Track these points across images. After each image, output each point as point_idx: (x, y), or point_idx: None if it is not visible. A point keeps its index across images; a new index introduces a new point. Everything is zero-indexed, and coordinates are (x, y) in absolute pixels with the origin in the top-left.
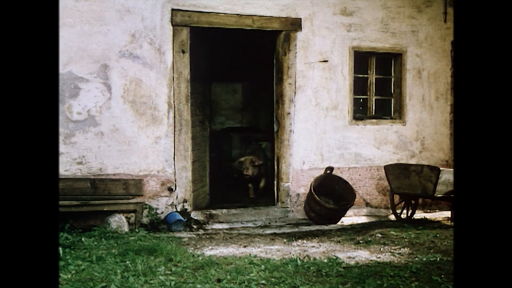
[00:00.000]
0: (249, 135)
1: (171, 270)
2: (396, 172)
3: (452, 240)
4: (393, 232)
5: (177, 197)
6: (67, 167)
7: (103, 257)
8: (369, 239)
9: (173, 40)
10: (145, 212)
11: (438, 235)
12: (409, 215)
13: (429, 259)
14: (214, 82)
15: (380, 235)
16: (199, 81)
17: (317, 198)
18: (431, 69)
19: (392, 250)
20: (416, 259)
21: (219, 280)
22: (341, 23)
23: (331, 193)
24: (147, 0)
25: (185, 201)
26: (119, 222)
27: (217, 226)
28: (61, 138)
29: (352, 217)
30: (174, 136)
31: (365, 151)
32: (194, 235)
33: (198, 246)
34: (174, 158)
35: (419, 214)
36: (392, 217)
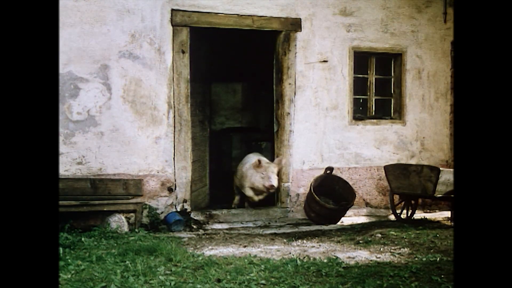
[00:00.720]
0: (249, 135)
1: (171, 270)
2: (396, 172)
3: (452, 240)
4: (393, 232)
5: (177, 197)
6: (67, 167)
7: (103, 257)
8: (369, 239)
9: (173, 40)
10: (145, 212)
11: (438, 235)
12: (409, 215)
13: (429, 259)
14: (214, 82)
15: (380, 235)
16: (199, 81)
17: (317, 198)
18: (431, 69)
19: (392, 250)
20: (416, 259)
21: (219, 280)
22: (341, 23)
23: (331, 193)
24: (147, 0)
25: (185, 201)
26: (119, 222)
27: (217, 226)
28: (61, 138)
29: (352, 217)
30: (174, 136)
31: (365, 151)
32: (194, 235)
33: (198, 246)
34: (174, 158)
35: (419, 214)
36: (392, 217)
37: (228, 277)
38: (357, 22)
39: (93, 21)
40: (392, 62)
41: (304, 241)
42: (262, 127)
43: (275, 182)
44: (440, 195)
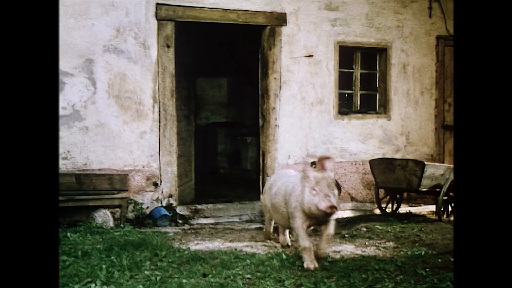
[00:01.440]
0: (235, 130)
1: (157, 265)
2: (381, 167)
3: (437, 233)
4: (378, 226)
5: (162, 192)
6: None
7: (89, 252)
8: (354, 233)
9: (158, 35)
10: (131, 207)
11: (423, 229)
12: (394, 209)
13: (414, 252)
14: (200, 77)
15: (365, 229)
16: (184, 75)
17: None
18: (416, 64)
19: (377, 244)
20: (401, 252)
21: (204, 275)
22: (326, 18)
23: None
24: None
25: (170, 196)
26: (104, 217)
27: (203, 221)
28: None
29: (337, 211)
30: (159, 131)
31: (350, 146)
32: (179, 230)
33: (183, 241)
34: (159, 153)
35: (404, 208)
36: (377, 211)
37: (214, 271)
38: (342, 17)
39: (78, 15)
40: (377, 56)
41: (290, 235)
42: (248, 122)
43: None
44: (425, 189)
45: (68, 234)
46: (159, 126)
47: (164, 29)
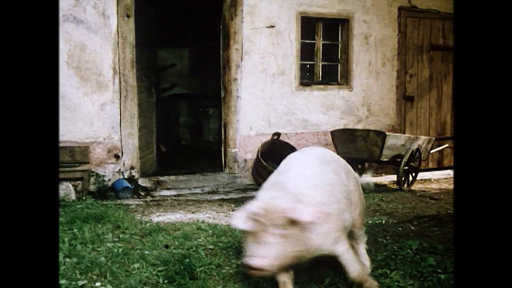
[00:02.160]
0: (197, 102)
1: (119, 237)
2: (343, 137)
3: (397, 203)
4: None
5: (124, 164)
6: None
7: None
8: None
9: (118, 4)
10: (92, 179)
11: (383, 199)
12: None
13: (375, 221)
14: (160, 47)
15: None
16: (145, 46)
17: (264, 164)
18: (378, 35)
19: None
20: None
21: (166, 246)
22: None
23: (279, 158)
24: None
25: (132, 168)
26: (66, 190)
27: (165, 192)
28: None
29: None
30: (120, 102)
31: (312, 117)
32: (141, 202)
33: (145, 213)
34: (120, 125)
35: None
36: None
37: (176, 243)
38: None
39: None
40: (339, 27)
41: None
42: (210, 94)
43: None
44: (386, 159)
45: None
46: (120, 97)
47: None
